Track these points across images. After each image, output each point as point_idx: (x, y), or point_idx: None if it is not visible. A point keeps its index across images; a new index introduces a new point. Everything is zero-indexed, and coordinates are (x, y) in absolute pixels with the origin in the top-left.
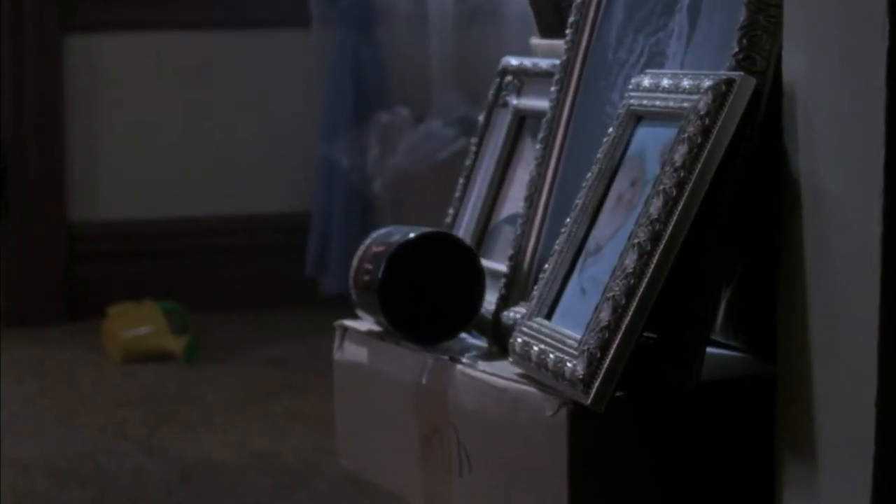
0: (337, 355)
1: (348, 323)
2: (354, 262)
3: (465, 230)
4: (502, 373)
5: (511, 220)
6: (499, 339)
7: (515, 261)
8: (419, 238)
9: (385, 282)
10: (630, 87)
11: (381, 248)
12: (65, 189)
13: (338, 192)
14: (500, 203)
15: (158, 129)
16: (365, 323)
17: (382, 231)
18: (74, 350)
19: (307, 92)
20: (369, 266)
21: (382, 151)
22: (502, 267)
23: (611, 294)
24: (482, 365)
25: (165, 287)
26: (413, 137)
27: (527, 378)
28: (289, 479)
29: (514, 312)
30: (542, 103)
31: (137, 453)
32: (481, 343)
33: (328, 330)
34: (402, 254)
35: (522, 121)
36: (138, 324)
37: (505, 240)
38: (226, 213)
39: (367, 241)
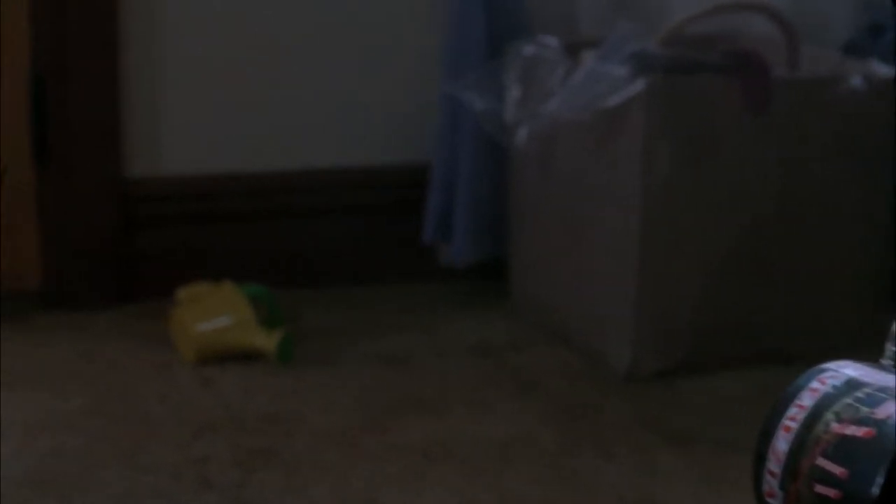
0: None
1: None
2: (783, 446)
3: None
4: None
5: None
6: None
7: None
8: None
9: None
10: None
11: (861, 433)
12: (119, 139)
13: (465, 141)
14: None
15: (235, 64)
16: None
17: (854, 387)
18: (133, 344)
19: (427, 16)
20: (833, 467)
21: (525, 93)
22: None
23: None
24: None
25: (246, 260)
26: (572, 77)
27: None
28: None
29: None
30: None
31: None
32: None
33: (453, 313)
34: None
35: None
36: (217, 312)
37: None
38: (321, 167)
39: (809, 404)
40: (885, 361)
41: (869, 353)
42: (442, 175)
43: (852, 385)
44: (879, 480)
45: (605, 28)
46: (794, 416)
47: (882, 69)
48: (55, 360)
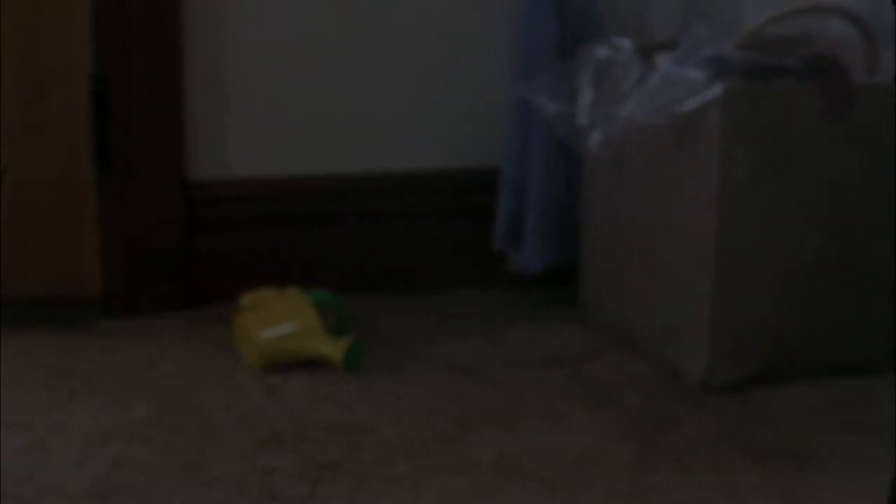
0: None
1: None
2: None
3: None
4: None
5: None
6: None
7: None
8: None
9: None
10: None
11: None
12: (182, 140)
13: (536, 144)
14: None
15: (304, 63)
16: None
17: None
18: (196, 351)
19: (498, 17)
20: None
21: (597, 96)
22: None
23: None
24: None
25: (312, 265)
26: (646, 81)
27: None
28: None
29: None
30: None
31: None
32: None
33: (522, 321)
34: None
35: None
36: (282, 319)
37: None
38: (389, 170)
39: None
40: None
41: None
42: (512, 179)
43: None
44: None
45: (678, 30)
46: None
47: None
48: (118, 367)
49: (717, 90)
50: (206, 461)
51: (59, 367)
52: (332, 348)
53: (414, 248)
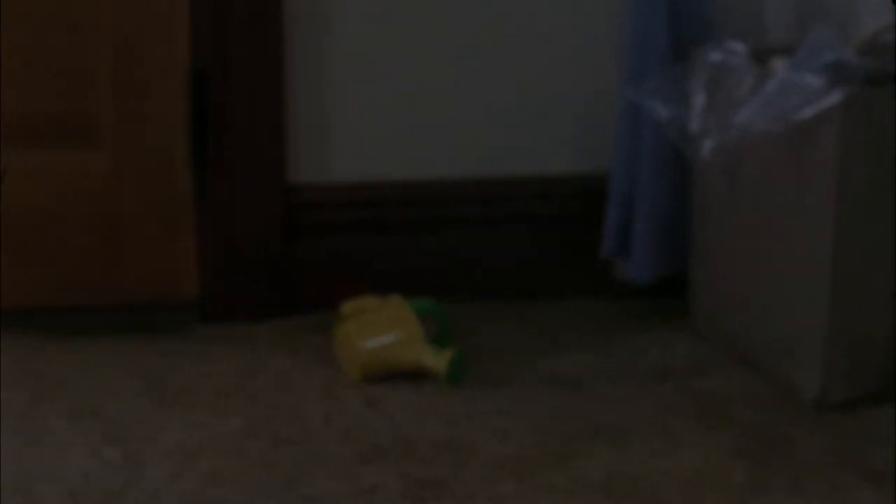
0: None
1: None
2: None
3: None
4: None
5: None
6: None
7: None
8: None
9: None
10: None
11: None
12: (283, 142)
13: (646, 150)
14: None
15: (409, 66)
16: None
17: None
18: (295, 359)
19: (608, 19)
20: None
21: (710, 101)
22: None
23: None
24: None
25: (415, 273)
26: (763, 86)
27: None
28: None
29: None
30: None
31: None
32: None
33: (631, 332)
34: None
35: None
36: (384, 328)
37: None
38: (494, 176)
39: None
40: None
41: None
42: (621, 186)
43: None
44: None
45: (793, 33)
46: None
47: None
48: (214, 376)
49: (836, 97)
50: (304, 477)
51: (154, 376)
52: (436, 360)
53: (519, 257)
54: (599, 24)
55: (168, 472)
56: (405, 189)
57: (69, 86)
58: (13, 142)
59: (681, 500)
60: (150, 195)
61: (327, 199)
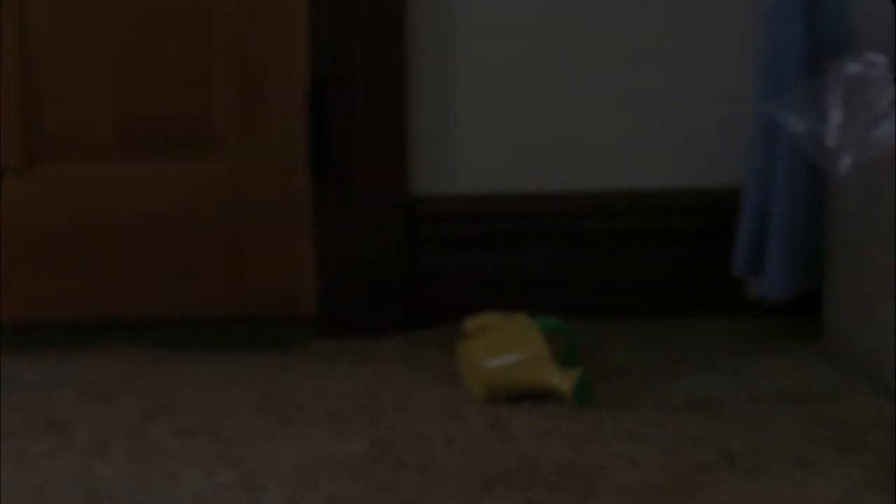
0: None
1: None
2: None
3: None
4: None
5: None
6: None
7: None
8: None
9: None
10: None
11: None
12: (407, 151)
13: (782, 165)
14: None
15: (538, 74)
16: None
17: None
18: (417, 377)
19: (742, 30)
20: None
21: (848, 115)
22: None
23: None
24: None
25: (541, 288)
26: None
27: None
28: None
29: None
30: None
31: None
32: None
33: (764, 353)
34: None
35: None
36: (509, 347)
37: None
38: (623, 188)
39: None
40: None
41: None
42: (755, 200)
43: None
44: None
45: None
46: None
47: None
48: (333, 394)
49: None
50: (426, 502)
51: (270, 393)
52: (562, 380)
53: (647, 272)
54: (734, 36)
55: (285, 496)
56: (531, 201)
57: (185, 91)
58: (128, 149)
59: None
60: (268, 205)
61: (451, 210)
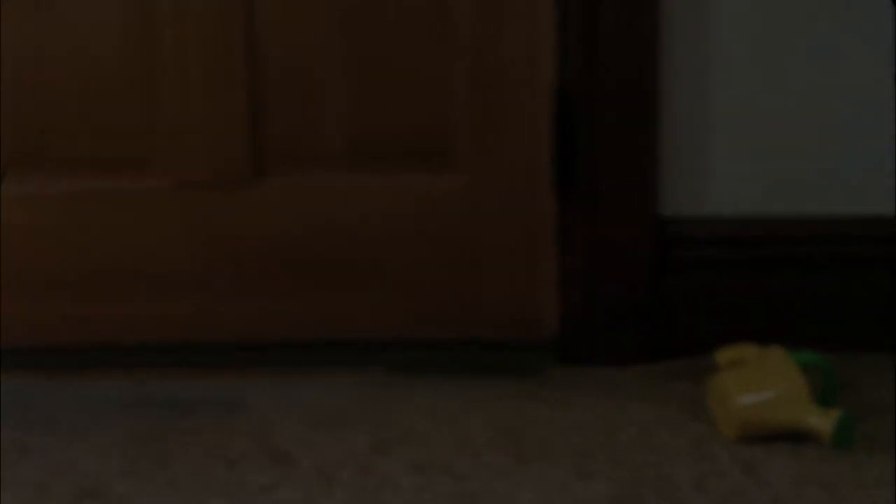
0: None
1: None
2: None
3: None
4: None
5: None
6: None
7: None
8: None
9: None
10: None
11: None
12: (658, 170)
13: None
14: None
15: (801, 88)
16: None
17: None
18: (664, 411)
19: None
20: None
21: None
22: None
23: None
24: None
25: (798, 320)
26: None
27: None
28: None
29: None
30: None
31: None
32: None
33: None
34: None
35: None
36: (764, 383)
37: None
38: (883, 213)
39: None
40: None
41: None
42: None
43: None
44: None
45: None
46: None
47: None
48: (573, 428)
49: None
50: None
51: (508, 425)
52: (822, 421)
53: None
54: None
55: None
56: (788, 227)
57: (422, 100)
58: (359, 162)
59: None
60: (508, 222)
61: (702, 233)
